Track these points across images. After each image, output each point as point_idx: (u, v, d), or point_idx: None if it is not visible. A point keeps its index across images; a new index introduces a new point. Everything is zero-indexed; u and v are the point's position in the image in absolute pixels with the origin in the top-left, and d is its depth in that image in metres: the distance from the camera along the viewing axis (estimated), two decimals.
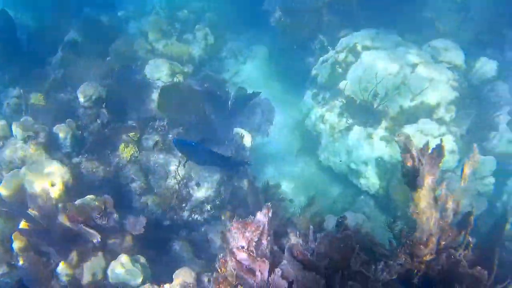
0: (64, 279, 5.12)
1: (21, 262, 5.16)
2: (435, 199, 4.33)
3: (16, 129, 6.09)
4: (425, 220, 4.18)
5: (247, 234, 3.72)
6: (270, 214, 3.84)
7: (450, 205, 4.41)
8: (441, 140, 4.30)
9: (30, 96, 6.84)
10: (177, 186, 6.56)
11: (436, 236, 4.21)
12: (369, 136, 7.57)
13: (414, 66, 7.84)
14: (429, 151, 4.30)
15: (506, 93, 8.05)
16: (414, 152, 4.25)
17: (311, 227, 4.76)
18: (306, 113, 8.77)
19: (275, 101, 8.96)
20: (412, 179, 4.18)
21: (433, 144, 4.41)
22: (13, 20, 7.33)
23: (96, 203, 5.31)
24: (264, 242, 3.77)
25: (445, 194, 4.43)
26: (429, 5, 9.92)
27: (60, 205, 5.27)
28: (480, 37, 9.34)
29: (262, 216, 3.80)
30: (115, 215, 5.42)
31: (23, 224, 5.21)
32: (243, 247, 3.72)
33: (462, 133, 7.51)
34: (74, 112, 6.72)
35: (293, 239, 5.25)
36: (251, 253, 3.55)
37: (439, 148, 4.34)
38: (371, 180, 7.47)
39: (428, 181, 4.22)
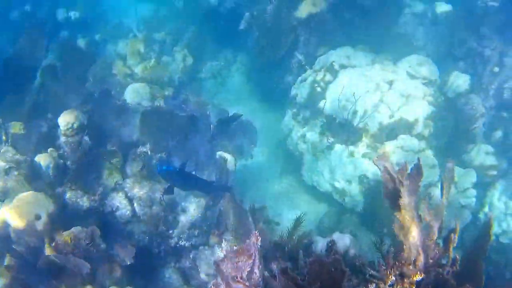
0: None
1: None
2: (419, 218, 4.43)
3: None
4: (411, 239, 4.26)
5: (239, 264, 3.73)
6: (259, 242, 3.86)
7: (434, 222, 4.51)
8: (418, 159, 4.42)
9: (9, 125, 6.73)
10: (162, 213, 6.52)
11: (424, 255, 4.29)
12: (351, 154, 7.68)
13: (390, 83, 8.01)
14: (408, 170, 4.43)
15: (480, 105, 8.29)
16: (394, 174, 4.36)
17: (301, 251, 4.81)
18: (287, 133, 8.84)
19: (256, 121, 9.02)
20: (394, 200, 4.28)
21: (411, 161, 4.54)
22: None
23: (83, 234, 5.25)
24: (256, 270, 3.79)
25: (428, 212, 4.54)
26: (401, 21, 10.18)
27: (46, 238, 5.19)
28: (452, 50, 9.61)
29: (252, 245, 3.81)
30: (103, 246, 5.37)
31: (7, 260, 5.10)
32: (237, 278, 3.73)
33: (441, 147, 7.68)
34: (56, 139, 6.64)
35: (283, 263, 5.28)
36: (245, 284, 3.57)
37: (418, 167, 4.46)
38: (355, 198, 7.56)
39: (410, 200, 4.33)
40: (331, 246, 4.32)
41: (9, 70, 7.45)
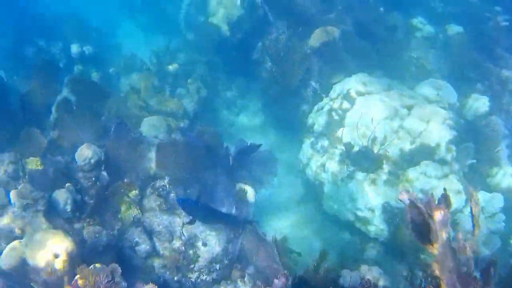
0: None
1: None
2: (454, 251, 4.23)
3: (14, 197, 5.90)
4: (448, 274, 4.06)
5: None
6: (289, 283, 3.71)
7: (469, 254, 4.31)
8: (444, 189, 4.26)
9: (26, 161, 6.67)
10: (183, 247, 6.36)
11: None
12: (373, 182, 7.52)
13: (409, 108, 7.91)
14: (435, 202, 4.25)
15: (501, 127, 8.15)
16: (422, 206, 4.19)
17: None
18: (305, 162, 8.70)
19: (273, 150, 8.89)
20: (423, 233, 4.10)
21: (437, 190, 4.38)
22: (5, 84, 7.25)
23: (103, 272, 5.08)
24: None
25: (462, 243, 4.34)
26: (413, 45, 10.17)
27: (65, 277, 5.04)
28: (466, 72, 9.53)
29: (283, 285, 3.67)
30: (123, 284, 5.19)
31: None
32: None
33: (465, 171, 7.51)
34: (73, 174, 6.55)
35: None
36: None
37: (445, 198, 4.29)
38: (379, 226, 7.35)
39: (442, 234, 4.14)
40: (365, 282, 4.12)
41: (25, 106, 7.44)
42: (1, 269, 5.26)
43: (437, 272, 4.05)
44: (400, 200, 4.32)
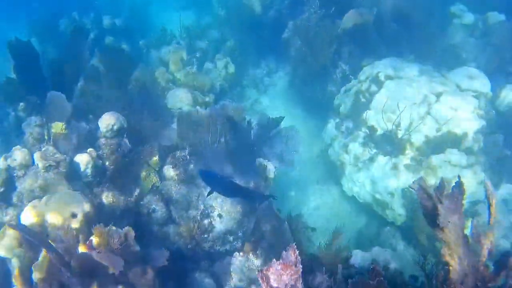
0: None
1: None
2: (466, 238, 4.13)
3: (37, 159, 6.06)
4: (458, 261, 3.98)
5: (284, 277, 3.59)
6: (298, 256, 3.71)
7: (483, 243, 4.20)
8: (459, 176, 4.15)
9: (51, 125, 6.82)
10: (199, 217, 6.43)
11: (472, 278, 4.00)
12: (395, 166, 7.39)
13: (438, 95, 7.70)
14: (447, 188, 4.15)
15: None
16: (432, 192, 4.10)
17: (340, 266, 4.58)
18: (329, 142, 8.64)
19: (297, 129, 8.85)
20: (433, 218, 4.02)
21: (455, 178, 4.26)
22: (37, 51, 7.38)
23: (118, 234, 5.19)
24: (299, 286, 3.65)
25: (477, 232, 4.23)
26: (450, 31, 9.84)
27: (80, 236, 5.17)
28: (503, 64, 9.18)
29: (294, 258, 3.66)
30: (137, 247, 5.29)
31: (43, 255, 5.10)
32: None
33: (491, 163, 7.29)
34: (96, 141, 6.68)
35: (320, 276, 5.08)
36: None
37: (459, 186, 4.18)
38: (397, 211, 7.26)
39: (454, 219, 4.05)
40: (374, 268, 4.07)
41: (54, 72, 7.58)
42: (22, 225, 5.44)
43: (447, 258, 3.97)
44: (411, 188, 4.26)
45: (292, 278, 3.63)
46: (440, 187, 4.05)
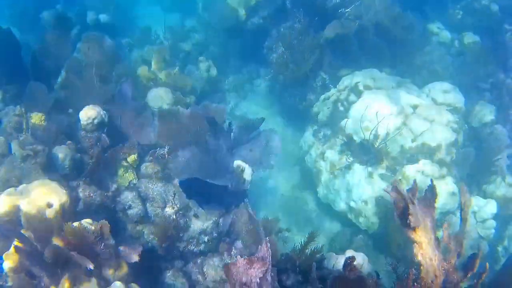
0: None
1: (9, 283, 4.97)
2: (437, 240, 4.28)
3: (15, 148, 6.00)
4: (429, 261, 4.11)
5: (251, 270, 3.62)
6: (269, 250, 3.76)
7: (453, 246, 4.36)
8: (431, 180, 4.32)
9: (31, 116, 6.75)
10: (174, 216, 6.42)
11: (441, 278, 4.13)
12: (370, 175, 7.55)
13: (415, 107, 7.91)
14: (418, 191, 4.31)
15: (505, 136, 8.14)
16: (404, 193, 4.24)
17: (314, 263, 4.67)
18: (306, 149, 8.76)
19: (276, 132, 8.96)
20: (406, 219, 4.15)
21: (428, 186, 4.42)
22: (17, 39, 7.31)
23: (93, 227, 5.17)
24: (269, 278, 3.69)
25: (447, 235, 4.38)
26: (428, 49, 10.15)
27: (55, 227, 5.11)
28: (477, 82, 9.52)
29: (265, 252, 3.71)
30: (111, 241, 5.27)
31: (15, 244, 5.03)
32: (246, 284, 3.61)
33: (462, 175, 7.51)
34: (74, 134, 6.63)
35: (292, 276, 5.14)
36: None
37: (431, 188, 4.35)
38: (370, 219, 7.40)
39: (426, 221, 4.19)
40: (350, 262, 4.17)
41: (35, 63, 7.51)
42: None
43: (419, 257, 4.10)
44: (385, 191, 4.40)
45: (259, 271, 3.67)
46: (412, 188, 4.19)
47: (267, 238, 3.81)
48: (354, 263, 5.31)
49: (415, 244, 4.08)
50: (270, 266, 3.75)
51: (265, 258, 3.73)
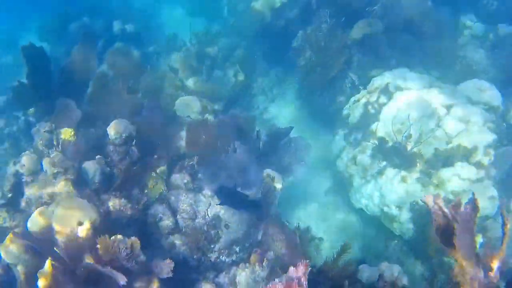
0: None
1: None
2: (478, 257, 4.06)
3: (46, 165, 6.07)
4: (469, 281, 3.91)
5: None
6: (307, 272, 3.65)
7: (495, 263, 4.13)
8: (473, 193, 4.08)
9: (60, 131, 6.84)
10: (205, 227, 6.39)
11: None
12: (403, 179, 7.33)
13: (448, 107, 7.64)
14: (462, 206, 4.08)
15: None
16: (446, 210, 4.03)
17: (346, 282, 4.53)
18: (337, 153, 8.60)
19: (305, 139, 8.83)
20: (446, 237, 3.95)
21: (468, 191, 4.18)
22: (48, 57, 7.41)
23: (124, 244, 5.17)
24: None
25: (488, 251, 4.15)
26: (460, 43, 9.80)
27: (86, 245, 5.15)
28: None
29: (301, 275, 3.61)
30: (142, 257, 5.26)
31: (49, 263, 5.09)
32: None
33: (502, 177, 7.21)
34: (104, 147, 6.68)
35: None
36: None
37: (473, 203, 4.09)
38: (405, 225, 7.19)
39: (466, 238, 3.98)
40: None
41: (64, 78, 7.60)
42: (27, 233, 5.44)
43: (459, 278, 3.91)
44: (424, 202, 4.20)
45: None
46: (456, 205, 3.98)
47: (307, 261, 3.69)
48: (385, 275, 5.19)
49: (456, 263, 3.88)
50: None
51: (301, 283, 3.64)
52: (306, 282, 3.64)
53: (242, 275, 6.37)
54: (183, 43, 11.10)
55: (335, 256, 5.50)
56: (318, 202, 8.60)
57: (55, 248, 5.17)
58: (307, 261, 3.78)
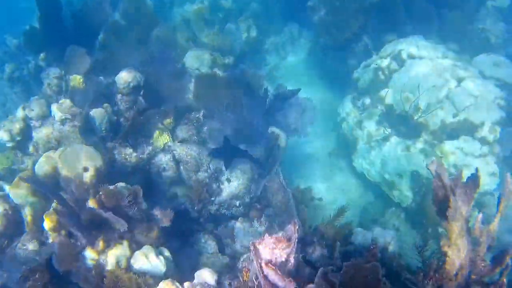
0: (89, 262, 5.17)
1: (51, 240, 5.27)
2: (468, 231, 4.15)
3: (54, 110, 6.18)
4: (456, 253, 4.02)
5: (276, 251, 3.66)
6: (298, 231, 3.76)
7: (484, 239, 4.22)
8: (476, 169, 4.11)
9: (70, 78, 6.89)
10: (207, 180, 6.53)
11: (467, 270, 4.04)
12: (407, 148, 7.37)
13: (460, 80, 7.56)
14: (463, 180, 4.11)
15: None
16: (447, 181, 4.07)
17: (338, 243, 4.66)
18: (344, 116, 8.60)
19: (313, 100, 8.80)
20: (442, 208, 4.02)
21: (469, 165, 4.20)
22: (60, 2, 7.35)
23: (126, 191, 5.33)
24: (292, 260, 3.71)
25: (479, 227, 4.23)
26: (481, 14, 9.53)
27: (91, 190, 5.31)
28: None
29: (292, 233, 3.72)
30: (144, 205, 5.43)
31: (55, 205, 5.28)
32: (271, 262, 3.66)
33: (505, 155, 7.21)
34: (112, 96, 6.74)
35: (319, 249, 5.19)
36: (279, 272, 3.48)
37: (475, 178, 4.11)
38: (404, 193, 7.29)
39: (460, 211, 4.05)
40: (373, 250, 4.12)
41: (76, 24, 7.56)
42: (36, 175, 5.61)
43: (445, 248, 4.01)
44: (428, 169, 4.23)
45: (284, 252, 3.70)
46: (456, 178, 4.03)
47: (295, 220, 3.81)
48: (378, 240, 5.32)
49: (445, 234, 3.98)
50: (294, 249, 3.78)
51: (291, 239, 3.76)
52: (296, 241, 3.75)
53: (240, 228, 6.55)
54: None
55: (332, 218, 5.64)
56: (321, 163, 8.69)
57: (60, 193, 5.35)
58: (296, 220, 3.89)
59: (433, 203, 4.25)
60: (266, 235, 3.83)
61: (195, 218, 6.64)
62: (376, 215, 7.66)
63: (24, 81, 7.51)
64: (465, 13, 9.20)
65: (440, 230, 6.59)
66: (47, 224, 5.24)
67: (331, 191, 8.25)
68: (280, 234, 3.90)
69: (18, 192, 5.44)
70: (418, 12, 8.96)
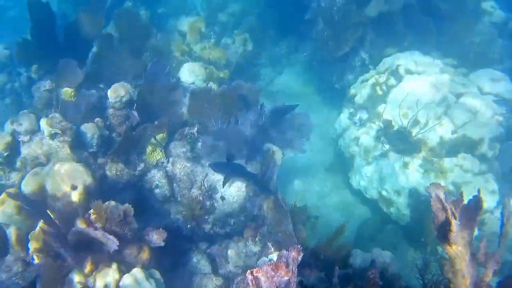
0: (76, 285, 4.97)
1: (36, 261, 5.05)
2: (473, 256, 3.98)
3: (43, 125, 5.99)
4: (461, 279, 3.85)
5: (275, 279, 3.48)
6: (299, 258, 3.57)
7: (490, 264, 4.05)
8: (478, 190, 3.96)
9: (61, 91, 6.72)
10: (201, 197, 6.35)
11: None
12: (405, 165, 7.24)
13: (458, 96, 7.47)
14: (464, 202, 3.95)
15: None
16: (446, 204, 3.91)
17: (337, 268, 4.48)
18: (340, 132, 8.48)
19: (310, 114, 8.69)
20: (443, 231, 3.85)
21: (470, 185, 4.06)
22: (54, 13, 7.20)
23: (117, 211, 5.13)
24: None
25: (484, 252, 4.07)
26: (478, 29, 9.47)
27: (79, 210, 5.12)
28: None
29: (292, 260, 3.54)
30: (135, 225, 5.23)
31: (41, 225, 5.07)
32: None
33: (504, 171, 7.09)
34: (105, 110, 6.58)
35: (315, 272, 5.03)
36: None
37: (477, 200, 3.94)
38: (402, 211, 7.15)
39: (463, 234, 3.88)
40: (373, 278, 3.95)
41: (69, 37, 7.41)
42: (21, 194, 5.39)
43: (449, 275, 3.85)
44: (428, 192, 4.08)
45: (283, 281, 3.52)
46: (457, 200, 3.87)
47: (298, 246, 3.62)
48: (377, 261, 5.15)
49: (448, 259, 3.81)
50: (294, 277, 3.60)
51: (289, 266, 3.57)
52: (296, 268, 3.58)
53: (234, 248, 6.36)
54: (194, 7, 10.83)
55: (329, 238, 5.47)
56: (317, 179, 8.55)
57: (47, 211, 5.14)
58: (299, 246, 3.70)
59: (433, 226, 4.09)
60: (265, 266, 3.64)
61: (188, 237, 6.46)
62: (374, 232, 7.50)
63: (16, 93, 7.33)
64: (463, 27, 9.13)
65: (440, 249, 6.45)
66: (33, 244, 5.04)
67: (327, 208, 8.09)
68: (277, 258, 3.73)
69: (3, 210, 5.20)
70: (417, 25, 8.89)
